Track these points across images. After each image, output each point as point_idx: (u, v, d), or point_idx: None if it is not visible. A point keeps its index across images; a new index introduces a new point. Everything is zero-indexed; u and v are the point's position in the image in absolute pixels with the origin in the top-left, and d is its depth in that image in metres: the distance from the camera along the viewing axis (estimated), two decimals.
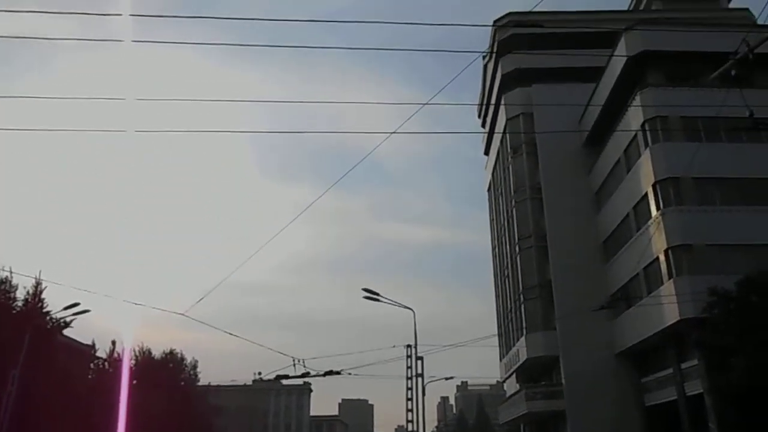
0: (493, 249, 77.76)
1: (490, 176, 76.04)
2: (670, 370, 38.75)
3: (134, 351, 68.25)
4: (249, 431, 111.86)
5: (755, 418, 26.79)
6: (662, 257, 37.38)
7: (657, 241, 37.49)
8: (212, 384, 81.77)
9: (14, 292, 42.61)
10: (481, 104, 72.53)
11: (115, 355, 62.35)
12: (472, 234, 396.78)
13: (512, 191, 58.84)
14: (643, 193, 39.91)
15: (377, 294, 33.70)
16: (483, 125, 75.62)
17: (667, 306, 35.29)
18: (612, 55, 44.26)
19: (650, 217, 38.89)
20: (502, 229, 67.39)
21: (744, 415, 27.95)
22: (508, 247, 63.16)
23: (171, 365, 73.48)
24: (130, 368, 65.99)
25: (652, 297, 37.53)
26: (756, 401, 25.82)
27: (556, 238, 49.88)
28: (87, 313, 37.82)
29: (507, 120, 59.16)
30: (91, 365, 55.34)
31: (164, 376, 69.68)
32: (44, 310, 43.21)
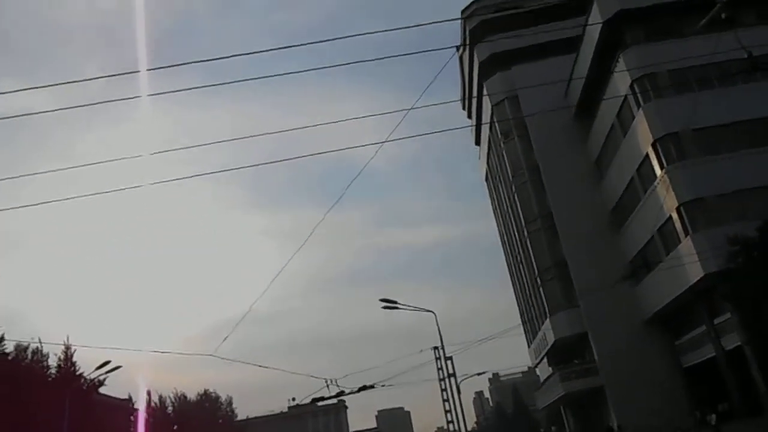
0: (501, 237, 77.14)
1: (485, 165, 75.49)
2: (704, 328, 38.00)
3: (170, 397, 68.53)
4: None
5: None
6: (675, 215, 36.68)
7: (667, 200, 36.78)
8: (251, 417, 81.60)
9: (46, 360, 44.12)
10: (464, 97, 72.08)
11: (152, 404, 62.85)
12: (480, 225, 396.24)
13: (510, 176, 58.25)
14: (644, 154, 39.24)
15: (395, 302, 33.14)
16: (469, 116, 75.12)
17: (688, 264, 34.56)
18: (586, 24, 43.73)
19: (655, 177, 38.20)
20: (507, 215, 66.79)
21: None
22: (516, 233, 62.52)
23: (207, 405, 73.65)
24: (169, 414, 66.19)
25: (672, 258, 36.81)
26: None
27: (563, 215, 49.23)
28: (119, 370, 38.57)
29: (492, 107, 58.63)
30: (131, 418, 56.30)
31: (202, 417, 69.79)
32: (77, 373, 44.42)
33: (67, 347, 44.72)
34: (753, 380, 33.18)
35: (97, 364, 38.26)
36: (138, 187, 14.70)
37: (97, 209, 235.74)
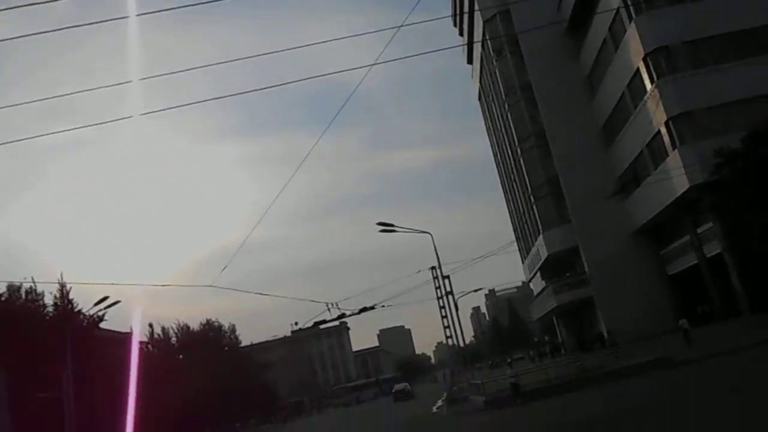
0: (495, 156, 77.76)
1: (478, 84, 75.07)
2: (687, 238, 39.48)
3: (173, 328, 70.53)
4: (300, 378, 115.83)
5: None
6: (664, 129, 37.32)
7: (656, 115, 37.31)
8: (254, 343, 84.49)
9: (42, 299, 44.10)
10: (455, 12, 70.70)
11: (156, 335, 64.51)
12: (474, 145, 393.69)
13: (503, 95, 58.24)
14: (635, 68, 39.37)
15: (392, 225, 33.99)
16: (461, 33, 73.90)
17: (675, 177, 35.53)
18: None
19: (646, 91, 38.52)
20: (501, 134, 67.15)
21: (764, 265, 28.65)
22: (509, 151, 63.12)
23: (210, 334, 75.79)
24: (173, 345, 68.35)
25: (660, 171, 37.74)
26: None
27: (555, 132, 49.71)
28: (119, 304, 38.88)
29: (484, 23, 57.82)
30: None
31: (206, 346, 72.08)
32: (76, 310, 44.68)
33: (62, 285, 43.61)
34: (732, 285, 34.93)
35: (95, 301, 38.26)
36: (127, 118, 14.25)
37: (83, 141, 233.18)
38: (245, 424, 70.49)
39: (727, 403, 12.27)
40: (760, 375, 15.65)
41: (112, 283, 46.68)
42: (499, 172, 78.22)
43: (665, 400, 15.70)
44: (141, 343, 57.37)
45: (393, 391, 61.29)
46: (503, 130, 63.93)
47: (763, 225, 25.52)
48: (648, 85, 38.20)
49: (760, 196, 25.88)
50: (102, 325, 48.08)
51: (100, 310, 41.08)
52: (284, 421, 77.83)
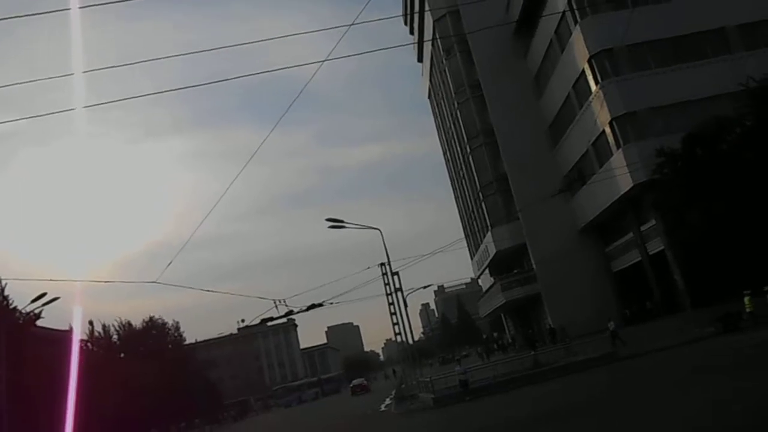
0: (444, 153, 78.26)
1: (428, 82, 75.37)
2: (631, 235, 40.60)
3: (114, 326, 68.39)
4: (245, 377, 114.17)
5: (713, 265, 28.46)
6: (608, 129, 38.23)
7: (601, 115, 38.19)
8: (199, 341, 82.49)
9: None
10: (405, 12, 70.77)
11: (96, 333, 62.36)
12: (424, 142, 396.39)
13: (453, 93, 58.60)
14: (580, 70, 40.22)
15: (341, 221, 33.69)
16: (411, 32, 74.09)
17: (619, 176, 36.44)
18: None
19: (591, 92, 39.41)
20: (450, 132, 67.61)
21: (703, 264, 29.64)
22: (459, 149, 63.60)
23: (153, 332, 73.84)
24: (114, 343, 66.31)
25: (604, 170, 38.63)
26: (713, 247, 27.31)
27: (504, 131, 50.32)
28: (58, 301, 37.45)
29: (434, 22, 58.07)
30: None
31: (149, 343, 70.22)
32: (11, 307, 42.86)
33: None
34: (674, 281, 36.08)
35: (32, 298, 37.18)
36: (70, 110, 13.86)
37: (20, 134, 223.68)
38: (190, 424, 68.90)
39: (664, 395, 12.55)
40: (680, 368, 16.13)
41: (51, 279, 44.75)
42: (448, 169, 78.78)
43: (611, 393, 15.99)
44: (81, 341, 55.35)
45: (351, 385, 66.47)
46: (453, 128, 64.36)
47: (702, 222, 26.38)
48: (593, 86, 39.06)
49: (698, 195, 26.74)
50: (39, 323, 46.46)
51: (38, 308, 39.69)
52: (234, 420, 76.49)
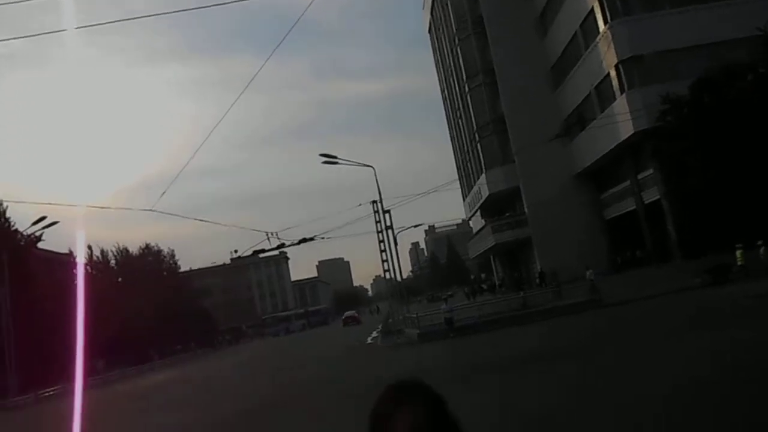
0: (443, 92, 76.65)
1: (429, 15, 72.95)
2: (628, 183, 40.06)
3: (112, 252, 68.92)
4: (237, 305, 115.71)
5: (709, 216, 28.13)
6: (613, 72, 37.10)
7: (607, 57, 36.98)
8: (193, 269, 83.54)
9: None
10: None
11: (94, 258, 62.95)
12: (422, 78, 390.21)
13: (454, 28, 56.71)
14: (590, 7, 38.63)
15: (335, 157, 33.21)
16: None
17: (621, 121, 35.58)
18: None
19: (598, 32, 37.99)
20: (449, 69, 65.93)
21: (699, 214, 29.32)
22: (457, 87, 62.16)
23: (150, 258, 74.68)
24: (112, 268, 66.92)
25: (605, 115, 37.75)
26: (710, 200, 26.93)
27: (505, 70, 48.90)
28: (58, 224, 37.88)
29: None
30: (74, 271, 56.43)
31: (146, 269, 71.07)
32: (12, 229, 43.71)
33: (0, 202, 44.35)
34: (667, 231, 35.85)
35: (33, 220, 37.67)
36: (61, 31, 13.26)
37: (17, 56, 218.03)
38: (186, 347, 70.28)
39: (644, 339, 12.34)
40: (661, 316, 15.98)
41: (50, 203, 45.42)
42: (445, 108, 77.36)
43: (596, 338, 15.85)
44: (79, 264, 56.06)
45: (343, 317, 71.04)
46: (452, 65, 62.70)
47: (702, 173, 25.89)
48: (601, 26, 37.65)
49: (701, 145, 26.13)
50: (39, 245, 47.34)
51: (38, 230, 40.38)
52: (230, 344, 78.18)
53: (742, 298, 17.53)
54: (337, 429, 8.80)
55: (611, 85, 37.56)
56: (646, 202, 37.81)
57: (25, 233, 42.29)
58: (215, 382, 25.52)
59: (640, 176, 38.20)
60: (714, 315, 15.81)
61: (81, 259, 56.53)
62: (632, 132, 34.89)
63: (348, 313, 72.85)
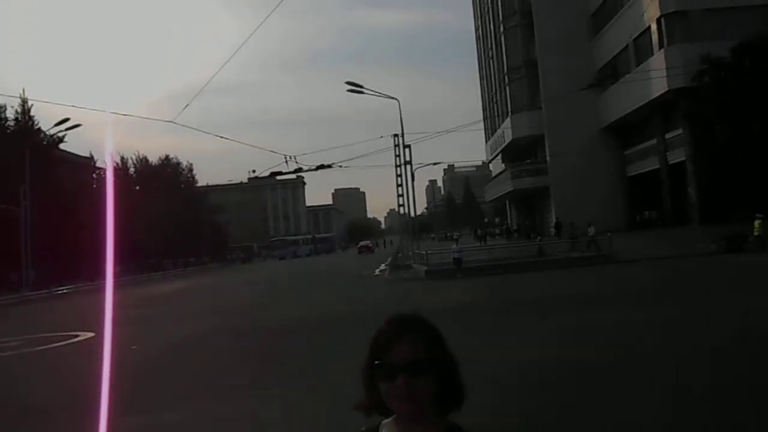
0: (477, 30, 74.76)
1: None
2: (654, 141, 39.46)
3: (132, 159, 69.80)
4: (251, 225, 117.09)
5: (732, 183, 27.83)
6: (654, 26, 35.93)
7: (650, 9, 35.71)
8: (210, 185, 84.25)
9: (3, 112, 43.93)
10: None
11: (114, 164, 63.80)
12: (455, 14, 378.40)
13: None
14: None
15: (361, 86, 32.93)
16: None
17: (656, 77, 34.70)
18: None
19: None
20: (485, 6, 64.08)
21: (722, 180, 29.01)
22: (492, 26, 60.56)
23: (168, 170, 75.53)
24: (131, 175, 67.86)
25: (641, 70, 36.79)
26: (735, 167, 26.58)
27: (543, 13, 47.48)
28: (79, 128, 38.24)
29: None
30: (94, 175, 57.34)
31: (164, 180, 72.02)
32: (36, 127, 44.35)
33: (24, 100, 44.76)
34: (687, 194, 35.55)
35: (57, 121, 38.00)
36: None
37: None
38: (199, 260, 71.74)
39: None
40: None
41: (74, 106, 45.78)
42: (477, 46, 75.64)
43: (595, 291, 16.08)
44: (100, 169, 56.94)
45: (359, 245, 74.45)
46: (489, 2, 60.87)
47: (732, 139, 25.45)
48: None
49: (734, 109, 25.59)
50: (61, 147, 48.12)
51: (61, 131, 40.83)
52: (243, 262, 79.29)
53: (756, 266, 17.63)
54: (339, 351, 9.19)
55: (650, 40, 36.45)
56: (671, 162, 37.35)
57: (47, 133, 42.73)
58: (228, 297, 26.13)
59: (667, 136, 37.58)
60: (722, 279, 15.94)
61: (110, 163, 57.22)
62: (666, 90, 34.07)
63: (363, 242, 76.65)
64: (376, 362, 1.32)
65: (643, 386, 6.40)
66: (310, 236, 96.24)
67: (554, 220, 45.71)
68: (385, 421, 1.39)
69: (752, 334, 8.58)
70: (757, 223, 23.35)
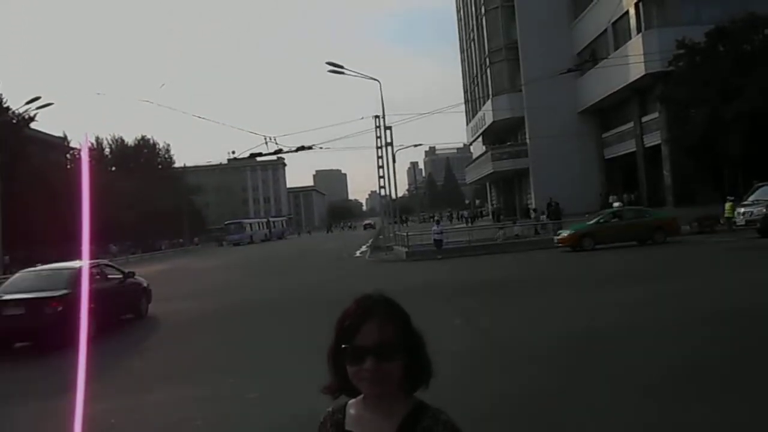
0: (458, 11, 74.52)
1: None
2: (631, 125, 39.97)
3: (107, 140, 68.82)
4: (230, 206, 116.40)
5: (706, 165, 28.36)
6: (632, 11, 36.26)
7: None
8: (188, 166, 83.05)
9: None
10: None
11: (89, 144, 62.88)
12: None
13: None
14: None
15: (342, 66, 32.69)
16: None
17: (633, 61, 35.03)
18: None
19: None
20: None
21: (696, 163, 29.56)
22: (473, 7, 60.44)
23: (145, 150, 74.55)
24: (106, 156, 67.00)
25: (618, 55, 37.12)
26: (709, 150, 27.08)
27: None
28: (52, 109, 37.54)
29: None
30: (67, 156, 56.35)
31: (140, 161, 71.19)
32: (4, 105, 43.19)
33: None
34: (662, 176, 36.16)
35: (27, 100, 37.19)
36: None
37: None
38: (171, 243, 70.75)
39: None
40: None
41: (49, 85, 44.77)
42: (458, 27, 75.47)
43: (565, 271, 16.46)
44: (74, 149, 56.02)
45: (364, 224, 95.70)
46: None
47: (706, 122, 25.90)
48: None
49: (709, 93, 26.00)
50: (33, 126, 46.98)
51: (31, 110, 39.78)
52: (220, 244, 76.91)
53: (725, 247, 18.18)
54: (317, 332, 9.41)
55: (629, 24, 36.79)
56: (647, 145, 37.90)
57: (17, 112, 41.58)
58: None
59: (644, 119, 38.08)
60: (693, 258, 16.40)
61: (86, 144, 56.29)
62: (643, 74, 34.47)
63: (367, 221, 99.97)
64: (343, 346, 1.31)
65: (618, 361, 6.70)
66: (264, 220, 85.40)
67: (549, 201, 46.17)
68: (352, 401, 1.40)
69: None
70: (728, 205, 23.89)
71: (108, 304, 11.35)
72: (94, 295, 10.86)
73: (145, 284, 14.03)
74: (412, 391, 1.37)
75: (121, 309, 12.87)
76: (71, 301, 9.80)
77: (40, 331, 9.92)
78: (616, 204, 30.19)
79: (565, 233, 23.62)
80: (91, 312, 9.74)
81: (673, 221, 23.04)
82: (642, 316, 9.39)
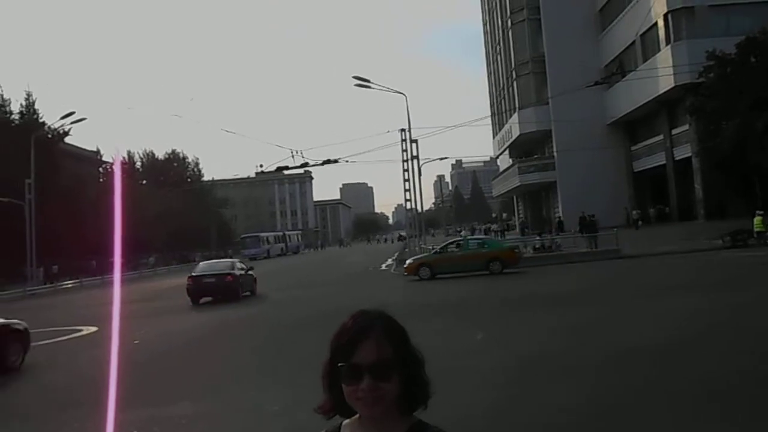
0: (484, 25, 74.60)
1: None
2: (660, 137, 39.44)
3: (138, 154, 70.20)
4: (258, 219, 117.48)
5: (737, 178, 27.78)
6: (661, 22, 35.89)
7: (656, 5, 35.62)
8: (216, 179, 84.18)
9: (8, 106, 44.12)
10: None
11: (121, 158, 64.25)
12: (461, 11, 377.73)
13: None
14: None
15: (368, 80, 32.85)
16: None
17: (662, 73, 34.65)
18: None
19: None
20: (493, 1, 63.96)
21: (728, 176, 29.00)
22: (499, 21, 60.47)
23: (175, 164, 75.84)
24: (137, 170, 68.29)
25: (647, 66, 36.76)
26: (740, 162, 26.56)
27: (550, 7, 47.43)
28: (84, 122, 38.69)
29: None
30: (100, 169, 57.65)
31: (170, 174, 72.33)
32: (40, 120, 44.51)
33: (29, 94, 45.01)
34: (693, 189, 35.54)
35: (61, 115, 38.19)
36: None
37: None
38: (204, 256, 71.32)
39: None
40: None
41: (82, 100, 45.81)
42: (485, 41, 75.49)
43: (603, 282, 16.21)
44: (106, 163, 57.32)
45: (398, 234, 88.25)
46: None
47: (737, 135, 25.43)
48: None
49: (740, 105, 25.55)
50: (67, 140, 48.21)
51: (66, 125, 40.95)
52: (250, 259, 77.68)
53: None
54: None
55: (657, 36, 36.43)
56: (677, 158, 37.33)
57: (52, 127, 42.79)
58: None
59: (674, 131, 37.56)
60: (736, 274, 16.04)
61: (118, 158, 57.48)
62: (672, 86, 34.06)
63: (401, 233, 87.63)
64: (339, 364, 1.26)
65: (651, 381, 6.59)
66: (281, 233, 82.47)
67: (582, 215, 45.64)
68: (347, 421, 1.34)
69: None
70: (757, 219, 23.39)
71: (244, 282, 20.50)
72: (239, 277, 20.08)
73: (255, 276, 21.83)
74: (409, 412, 1.31)
75: (246, 287, 20.71)
76: (234, 277, 19.77)
77: (221, 291, 19.31)
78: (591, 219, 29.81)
79: (410, 261, 23.99)
80: (239, 284, 19.80)
81: (511, 252, 23.01)
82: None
